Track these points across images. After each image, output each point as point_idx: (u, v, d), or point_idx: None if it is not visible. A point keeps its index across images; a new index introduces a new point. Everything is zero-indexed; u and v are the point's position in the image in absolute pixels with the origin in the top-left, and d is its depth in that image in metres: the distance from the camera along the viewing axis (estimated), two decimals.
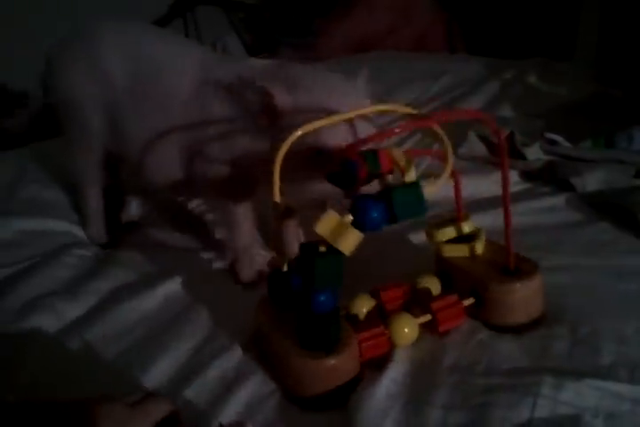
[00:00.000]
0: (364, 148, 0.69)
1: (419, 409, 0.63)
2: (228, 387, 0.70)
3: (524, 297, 0.75)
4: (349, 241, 0.61)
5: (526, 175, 1.18)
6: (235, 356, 0.75)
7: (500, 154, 0.73)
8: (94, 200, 1.09)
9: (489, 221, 0.96)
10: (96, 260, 1.03)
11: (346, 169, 0.67)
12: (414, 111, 0.74)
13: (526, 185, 1.16)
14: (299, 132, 0.67)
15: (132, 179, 1.12)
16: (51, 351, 0.79)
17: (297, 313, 0.67)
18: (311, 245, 0.64)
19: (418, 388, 0.67)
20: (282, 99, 0.77)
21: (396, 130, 0.68)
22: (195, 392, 0.70)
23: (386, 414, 0.63)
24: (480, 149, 1.24)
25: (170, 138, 0.93)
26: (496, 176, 1.14)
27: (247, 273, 0.94)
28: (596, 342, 0.71)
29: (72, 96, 1.00)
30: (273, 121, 0.79)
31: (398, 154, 0.72)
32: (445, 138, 0.74)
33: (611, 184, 1.07)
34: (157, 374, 0.73)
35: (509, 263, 0.77)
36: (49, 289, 0.91)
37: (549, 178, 1.14)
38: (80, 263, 1.00)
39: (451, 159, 0.73)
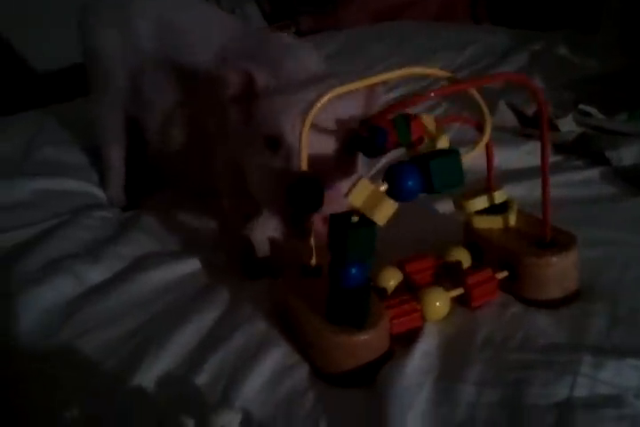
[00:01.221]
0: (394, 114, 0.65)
1: (451, 386, 0.61)
2: (252, 356, 0.68)
3: (559, 271, 0.72)
4: (384, 211, 0.58)
5: (558, 148, 1.13)
6: (258, 327, 0.73)
7: (541, 119, 0.69)
8: (116, 161, 1.09)
9: (520, 192, 0.93)
10: (117, 223, 1.00)
11: (372, 136, 0.63)
12: (450, 74, 0.70)
13: (558, 157, 1.11)
14: (325, 99, 0.63)
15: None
16: (70, 317, 0.78)
17: (327, 287, 0.64)
18: (342, 215, 0.61)
19: (450, 363, 0.64)
20: (263, 83, 0.76)
21: (432, 94, 0.64)
22: (218, 361, 0.68)
23: (417, 390, 0.60)
24: (510, 118, 1.19)
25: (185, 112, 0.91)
26: (527, 147, 1.12)
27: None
28: (637, 321, 0.68)
29: (102, 55, 1.01)
30: (248, 106, 0.77)
31: (429, 121, 0.68)
32: (483, 102, 0.71)
33: None
34: (180, 344, 0.71)
35: (546, 235, 0.73)
36: (69, 252, 0.89)
37: (583, 151, 1.10)
38: (101, 226, 0.98)
39: (489, 125, 0.69)
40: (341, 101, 0.68)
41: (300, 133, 0.65)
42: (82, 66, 1.10)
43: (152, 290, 0.82)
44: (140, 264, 0.88)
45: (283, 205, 0.72)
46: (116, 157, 1.09)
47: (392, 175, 0.59)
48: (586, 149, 1.09)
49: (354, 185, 0.58)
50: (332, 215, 0.62)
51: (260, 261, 0.87)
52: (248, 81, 0.77)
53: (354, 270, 0.61)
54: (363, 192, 0.58)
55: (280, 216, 0.75)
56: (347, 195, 0.58)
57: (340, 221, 0.60)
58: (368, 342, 0.63)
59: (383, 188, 0.59)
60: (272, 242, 0.92)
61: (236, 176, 0.83)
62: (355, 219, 0.59)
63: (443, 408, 0.59)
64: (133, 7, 1.00)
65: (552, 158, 1.11)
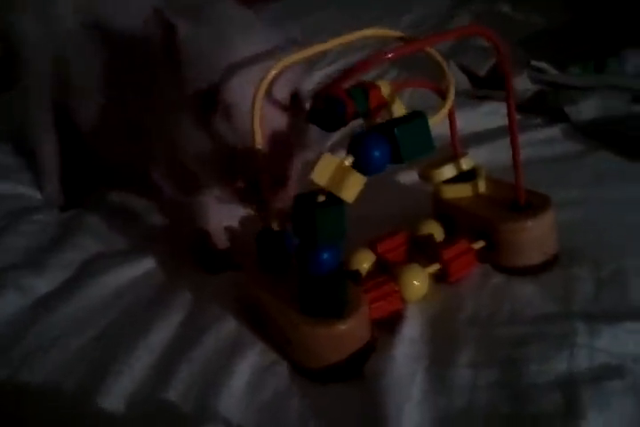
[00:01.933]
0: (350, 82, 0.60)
1: (444, 371, 0.57)
2: (226, 360, 0.62)
3: (538, 235, 0.69)
4: (352, 187, 0.53)
5: (516, 107, 1.09)
6: (227, 326, 0.67)
7: (505, 73, 0.65)
8: (49, 155, 1.01)
9: (484, 156, 0.90)
10: (57, 226, 0.92)
11: (330, 107, 0.58)
12: (404, 34, 0.65)
13: (517, 117, 1.06)
14: (274, 71, 0.58)
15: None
16: (17, 336, 0.70)
17: (296, 276, 0.59)
18: (307, 195, 0.56)
19: (439, 348, 0.60)
20: (186, 34, 0.68)
21: (389, 55, 0.58)
22: (190, 369, 0.62)
23: (410, 380, 0.56)
24: (462, 80, 1.15)
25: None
26: (484, 109, 1.09)
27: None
28: (623, 281, 0.65)
29: (23, 40, 0.93)
30: (173, 57, 0.70)
31: (385, 87, 0.63)
32: (443, 61, 0.66)
33: (607, 111, 1.00)
34: (144, 355, 0.65)
35: (519, 198, 0.70)
36: (7, 263, 0.81)
37: (539, 108, 1.06)
38: (40, 230, 0.90)
39: (452, 85, 0.65)
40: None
41: (253, 102, 0.58)
42: (1, 60, 1.01)
43: (105, 297, 0.75)
44: (88, 270, 0.80)
45: (230, 176, 0.66)
46: (48, 151, 1.01)
47: (356, 147, 0.53)
48: (543, 106, 1.06)
49: (316, 161, 0.53)
50: (295, 196, 0.56)
51: (219, 252, 0.81)
52: (171, 33, 0.69)
53: (325, 255, 0.55)
54: (327, 168, 0.53)
55: (230, 190, 0.68)
56: (309, 173, 0.52)
57: (304, 202, 0.55)
58: (349, 331, 0.58)
59: (348, 161, 0.53)
60: (231, 230, 0.86)
61: (175, 157, 0.76)
62: (321, 198, 0.54)
63: (439, 396, 0.55)
64: None
65: None
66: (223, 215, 0.84)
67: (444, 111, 0.64)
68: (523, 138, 0.95)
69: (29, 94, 0.98)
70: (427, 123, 0.56)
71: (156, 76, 0.76)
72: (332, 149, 1.01)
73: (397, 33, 0.65)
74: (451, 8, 1.73)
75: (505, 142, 0.96)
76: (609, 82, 1.07)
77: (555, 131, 1.00)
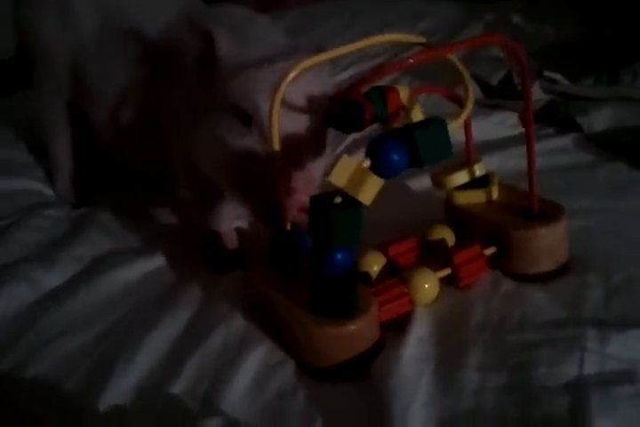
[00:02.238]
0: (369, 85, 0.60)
1: (451, 373, 0.57)
2: (233, 357, 0.62)
3: (550, 243, 0.69)
4: (370, 189, 0.53)
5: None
6: (235, 324, 0.67)
7: (523, 82, 0.66)
8: (62, 154, 1.02)
9: (494, 164, 0.90)
10: (69, 222, 0.93)
11: (348, 110, 0.58)
12: (425, 41, 0.66)
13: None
14: (294, 73, 0.58)
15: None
16: (26, 328, 0.70)
17: (307, 276, 0.59)
18: (324, 196, 0.56)
19: (447, 349, 0.60)
20: (225, 48, 0.68)
21: (410, 60, 0.59)
22: (197, 365, 0.62)
23: (416, 380, 0.56)
24: (475, 89, 1.15)
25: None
26: (495, 118, 1.09)
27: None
28: (634, 289, 0.65)
29: (39, 42, 0.94)
30: (208, 72, 0.69)
31: (404, 92, 0.63)
32: (464, 69, 0.66)
33: (619, 122, 1.00)
34: (152, 350, 0.65)
35: (532, 206, 0.70)
36: (20, 256, 0.82)
37: (552, 118, 1.07)
38: (52, 225, 0.90)
39: (471, 92, 0.65)
40: (307, 76, 0.63)
41: (271, 110, 0.59)
42: (18, 59, 1.02)
43: (114, 293, 0.76)
44: (98, 265, 0.81)
45: (250, 189, 0.66)
46: (61, 149, 1.02)
47: (375, 149, 0.53)
48: (555, 117, 1.06)
49: (334, 163, 0.53)
50: (312, 197, 0.56)
51: (229, 252, 0.82)
52: (209, 44, 0.68)
53: (339, 256, 0.56)
54: (345, 170, 0.53)
55: (247, 202, 0.69)
56: (327, 174, 0.53)
57: (321, 203, 0.55)
58: (359, 331, 0.58)
59: (366, 164, 0.53)
60: (240, 231, 0.86)
61: (194, 164, 0.76)
62: (337, 199, 0.54)
63: (446, 398, 0.54)
64: None
65: (522, 128, 1.08)
66: (234, 216, 0.84)
67: (463, 117, 0.65)
68: (535, 147, 0.97)
69: (44, 94, 0.99)
70: (446, 128, 0.56)
71: (181, 81, 0.76)
72: (346, 152, 1.02)
73: (421, 39, 0.65)
74: (463, 18, 1.73)
75: (515, 151, 0.97)
76: (622, 93, 1.07)
77: (566, 141, 1.01)
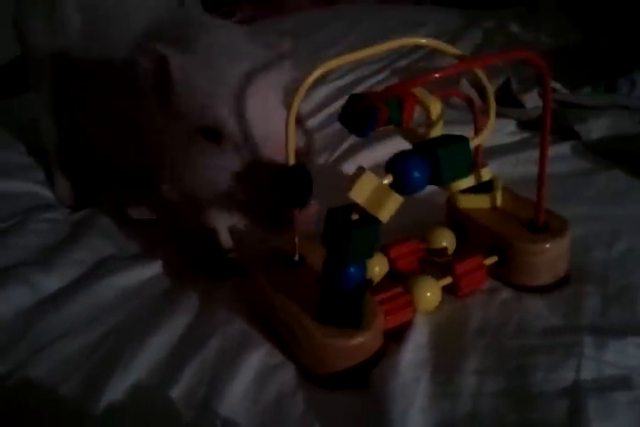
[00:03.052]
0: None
1: (449, 378, 0.57)
2: (232, 359, 0.62)
3: (552, 258, 0.68)
4: (389, 207, 0.52)
5: (525, 124, 1.11)
6: (234, 328, 0.67)
7: (544, 91, 0.64)
8: (60, 156, 1.02)
9: (493, 171, 0.90)
10: (68, 225, 0.93)
11: (364, 112, 0.57)
12: (458, 51, 0.64)
13: (525, 134, 1.09)
14: (313, 76, 0.56)
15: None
16: (25, 330, 0.71)
17: (309, 279, 0.59)
18: (340, 210, 0.54)
19: (445, 355, 0.60)
20: (180, 71, 0.65)
21: (437, 74, 0.56)
22: (196, 369, 0.62)
23: (414, 385, 0.56)
24: (473, 96, 1.16)
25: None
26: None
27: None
28: (631, 297, 0.65)
29: (32, 45, 0.94)
30: (163, 91, 0.67)
31: (435, 105, 0.63)
32: (487, 82, 0.66)
33: (617, 131, 1.01)
34: (151, 354, 0.65)
35: (538, 219, 0.69)
36: (19, 259, 0.82)
37: (550, 126, 1.07)
38: (51, 229, 0.90)
39: (493, 107, 0.65)
40: (272, 73, 0.64)
41: (287, 122, 0.57)
42: (18, 61, 1.03)
43: (113, 297, 0.76)
44: (97, 269, 0.81)
45: (252, 202, 0.65)
46: (59, 152, 1.02)
47: (396, 166, 0.52)
48: (553, 125, 1.07)
49: (355, 179, 0.52)
50: (329, 210, 0.55)
51: (227, 260, 0.82)
52: (163, 65, 0.66)
53: (353, 270, 0.55)
54: (366, 187, 0.51)
55: (249, 216, 0.67)
56: (348, 190, 0.51)
57: (338, 217, 0.54)
58: (365, 343, 0.58)
59: (387, 181, 0.52)
60: (236, 236, 0.86)
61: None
62: (355, 216, 0.53)
63: (443, 402, 0.55)
64: None
65: (520, 135, 1.09)
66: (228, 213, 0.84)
67: (486, 134, 0.63)
68: (530, 155, 0.98)
69: (40, 98, 0.99)
70: (468, 146, 0.55)
71: (141, 103, 0.73)
72: (345, 155, 1.03)
73: (450, 48, 0.63)
74: (462, 25, 1.74)
75: (513, 158, 0.98)
76: (619, 102, 1.08)
77: (564, 148, 1.01)
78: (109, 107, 0.85)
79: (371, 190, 0.52)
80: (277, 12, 2.26)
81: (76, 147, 1.03)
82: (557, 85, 1.14)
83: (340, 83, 1.37)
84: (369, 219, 0.52)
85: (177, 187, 0.74)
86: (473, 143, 0.56)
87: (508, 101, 1.14)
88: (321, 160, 1.04)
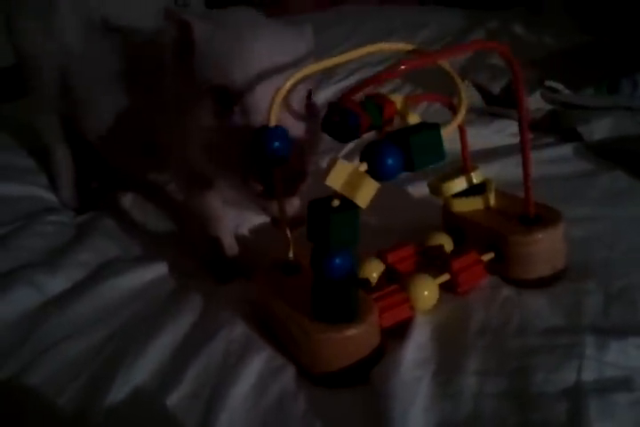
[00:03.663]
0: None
1: (450, 378, 0.57)
2: (234, 362, 0.63)
3: (547, 248, 0.69)
4: (366, 192, 0.54)
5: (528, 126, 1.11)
6: (237, 331, 0.67)
7: (517, 88, 0.66)
8: (62, 160, 1.02)
9: (494, 172, 0.91)
10: (73, 227, 0.94)
11: (344, 120, 0.58)
12: (415, 47, 0.65)
13: (529, 135, 1.08)
14: (291, 81, 0.59)
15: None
16: (30, 332, 0.71)
17: (307, 282, 0.59)
18: (321, 200, 0.56)
19: (446, 354, 0.60)
20: (202, 33, 0.68)
21: (402, 66, 0.57)
22: (198, 371, 0.62)
23: (416, 385, 0.56)
24: (476, 98, 1.16)
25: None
26: (495, 126, 1.10)
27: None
28: (632, 297, 0.65)
29: (28, 51, 0.95)
30: (186, 60, 0.69)
31: (399, 100, 0.64)
32: (456, 75, 0.67)
33: (619, 132, 1.01)
34: (154, 356, 0.66)
35: (529, 211, 0.70)
36: (24, 261, 0.82)
37: (552, 127, 1.08)
38: (56, 231, 0.91)
39: (464, 98, 0.66)
40: (273, 47, 0.66)
41: (270, 108, 0.59)
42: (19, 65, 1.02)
43: (118, 299, 0.76)
44: (102, 272, 0.81)
45: (245, 164, 0.65)
46: (61, 156, 1.02)
47: (370, 154, 0.54)
48: (555, 126, 1.07)
49: (330, 166, 0.54)
50: (310, 201, 0.57)
51: (231, 262, 0.82)
52: (186, 32, 0.68)
53: (338, 260, 0.56)
54: (341, 173, 0.54)
55: (241, 179, 0.66)
56: (324, 178, 0.53)
57: (319, 207, 0.55)
58: (359, 336, 0.59)
59: (362, 167, 0.54)
60: (240, 240, 0.86)
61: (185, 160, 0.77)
62: (335, 203, 0.55)
63: (445, 402, 0.55)
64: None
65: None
66: (234, 223, 0.85)
67: (457, 121, 0.65)
68: (535, 156, 0.98)
69: (38, 103, 0.99)
70: (439, 132, 0.57)
71: (165, 73, 0.76)
72: (348, 157, 1.03)
73: (409, 46, 0.65)
74: (465, 26, 1.75)
75: (515, 159, 0.98)
76: (622, 103, 1.08)
77: (567, 149, 1.01)
78: (116, 107, 0.86)
79: (346, 177, 0.53)
80: (280, 13, 2.27)
81: (81, 151, 1.04)
82: (559, 86, 1.14)
83: (345, 83, 1.38)
84: (348, 205, 0.54)
85: (183, 166, 0.77)
86: (444, 131, 0.57)
87: (511, 103, 1.14)
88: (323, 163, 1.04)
